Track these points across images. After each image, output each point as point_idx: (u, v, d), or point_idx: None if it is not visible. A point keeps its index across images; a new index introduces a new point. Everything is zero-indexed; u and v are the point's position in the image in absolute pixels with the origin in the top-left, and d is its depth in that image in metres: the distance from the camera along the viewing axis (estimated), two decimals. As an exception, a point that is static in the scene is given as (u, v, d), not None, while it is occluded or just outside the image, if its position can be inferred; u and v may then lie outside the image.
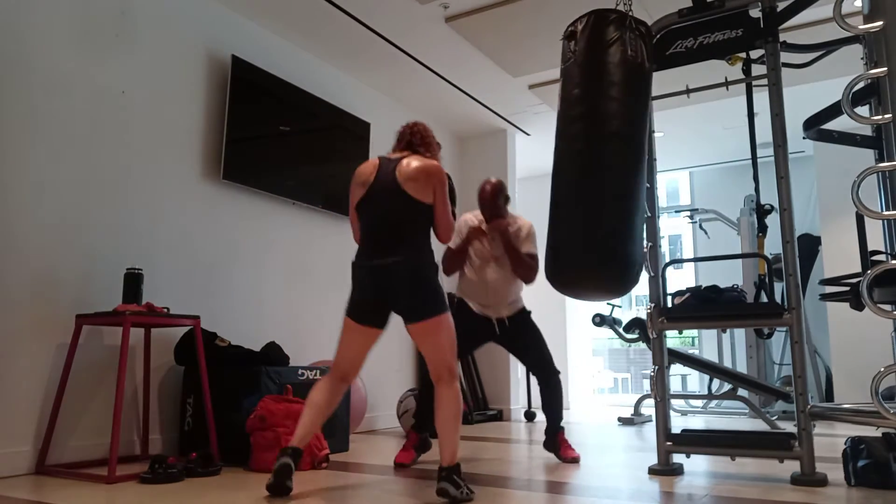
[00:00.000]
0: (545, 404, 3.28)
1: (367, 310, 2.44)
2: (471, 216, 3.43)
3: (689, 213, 6.79)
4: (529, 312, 3.41)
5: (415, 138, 2.58)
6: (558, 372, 3.31)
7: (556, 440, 3.28)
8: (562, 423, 3.30)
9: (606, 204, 2.46)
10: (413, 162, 2.45)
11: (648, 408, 5.46)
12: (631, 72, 2.56)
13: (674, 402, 6.21)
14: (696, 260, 3.17)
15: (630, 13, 2.64)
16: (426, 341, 2.39)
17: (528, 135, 6.22)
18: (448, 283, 5.65)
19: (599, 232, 2.44)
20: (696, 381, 8.62)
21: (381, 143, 4.89)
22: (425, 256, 2.40)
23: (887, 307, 2.46)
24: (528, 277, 3.33)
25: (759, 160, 3.12)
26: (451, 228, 2.52)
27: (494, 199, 3.32)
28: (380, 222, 2.42)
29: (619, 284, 2.46)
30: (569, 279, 2.51)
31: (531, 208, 7.40)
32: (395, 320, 2.52)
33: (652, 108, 2.88)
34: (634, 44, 2.57)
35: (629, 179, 2.49)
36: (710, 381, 5.71)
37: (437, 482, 2.26)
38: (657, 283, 2.97)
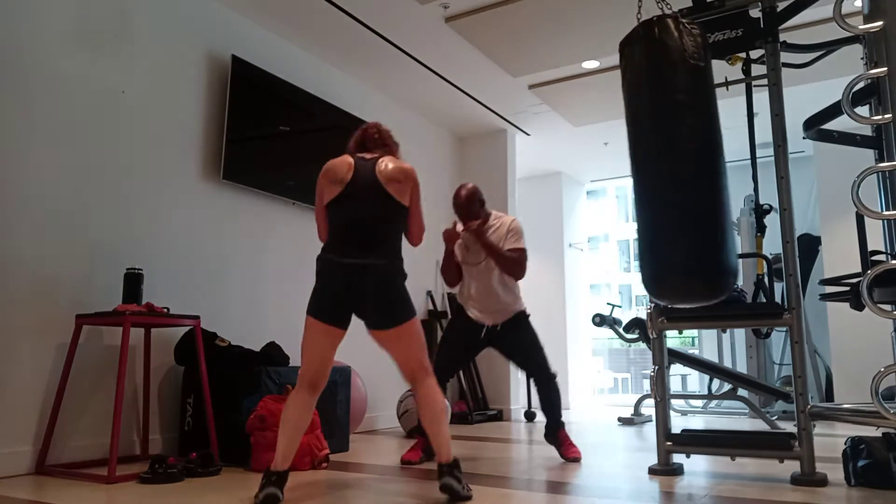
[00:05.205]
0: (542, 405, 3.29)
1: (333, 309, 2.34)
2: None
3: (689, 213, 6.76)
4: (528, 315, 3.40)
5: (368, 141, 2.53)
6: (555, 375, 3.29)
7: (557, 437, 3.29)
8: (562, 420, 3.30)
9: (706, 218, 2.46)
10: (390, 163, 2.42)
11: (648, 408, 5.45)
12: (695, 75, 2.52)
13: (674, 402, 6.21)
14: (696, 260, 3.16)
15: (678, 15, 2.60)
16: (398, 346, 2.37)
17: (528, 135, 6.22)
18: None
19: (707, 249, 2.46)
20: (696, 381, 8.61)
21: (381, 143, 4.88)
22: (399, 262, 2.39)
23: (887, 307, 2.46)
24: (516, 273, 3.30)
25: (758, 160, 3.12)
26: (423, 231, 2.52)
27: (468, 203, 3.30)
28: (358, 222, 2.37)
29: (722, 293, 2.51)
30: (675, 296, 2.55)
31: (531, 208, 7.41)
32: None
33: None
34: (695, 45, 2.52)
35: (721, 188, 2.49)
36: (710, 381, 5.71)
37: (439, 478, 2.26)
38: (657, 283, 2.96)
